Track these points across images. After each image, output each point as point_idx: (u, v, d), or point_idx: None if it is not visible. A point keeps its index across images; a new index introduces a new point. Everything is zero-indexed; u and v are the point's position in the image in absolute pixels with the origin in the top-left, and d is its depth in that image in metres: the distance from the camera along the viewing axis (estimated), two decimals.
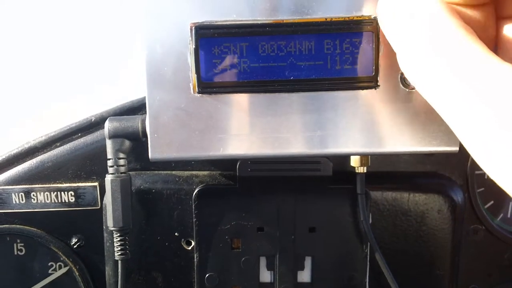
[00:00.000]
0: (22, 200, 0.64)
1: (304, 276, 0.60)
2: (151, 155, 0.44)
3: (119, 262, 0.56)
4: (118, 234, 0.55)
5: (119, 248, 0.56)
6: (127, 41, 0.86)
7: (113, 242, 0.57)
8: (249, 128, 0.44)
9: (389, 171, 0.64)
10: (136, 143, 0.54)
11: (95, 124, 0.63)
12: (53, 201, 0.64)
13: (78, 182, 0.63)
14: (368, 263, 0.59)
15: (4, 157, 0.64)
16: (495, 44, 0.36)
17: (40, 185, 0.64)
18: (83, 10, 0.95)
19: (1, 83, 0.98)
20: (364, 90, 0.43)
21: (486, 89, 0.28)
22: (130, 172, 0.58)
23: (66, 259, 0.65)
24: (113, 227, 0.55)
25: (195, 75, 0.43)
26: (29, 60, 0.97)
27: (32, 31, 0.97)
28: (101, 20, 0.92)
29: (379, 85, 0.43)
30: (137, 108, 0.61)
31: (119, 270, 0.57)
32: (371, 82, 0.42)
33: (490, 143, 0.29)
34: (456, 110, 0.30)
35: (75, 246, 0.65)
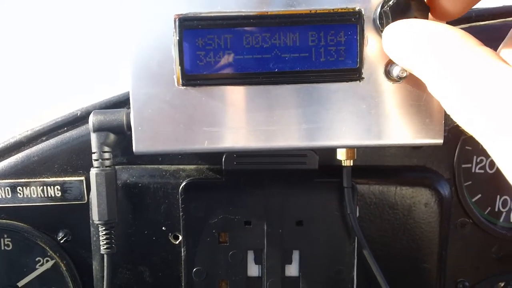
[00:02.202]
0: (8, 194, 0.63)
1: (292, 270, 0.60)
2: (135, 148, 0.44)
3: (105, 256, 0.56)
4: (104, 228, 0.55)
5: (104, 242, 0.55)
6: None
7: (99, 236, 0.56)
8: (234, 121, 0.44)
9: (376, 165, 0.64)
10: (121, 136, 0.54)
11: (81, 118, 0.63)
12: (39, 195, 0.63)
13: (65, 177, 0.63)
14: (355, 256, 0.59)
15: None
16: None
17: (26, 180, 0.63)
18: (83, 10, 0.95)
19: (1, 83, 0.97)
20: (349, 82, 0.43)
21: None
22: (116, 166, 0.57)
23: (53, 253, 0.65)
24: (98, 220, 0.55)
25: (179, 68, 0.42)
26: (29, 60, 0.97)
27: (32, 31, 0.97)
28: (101, 20, 0.92)
29: (363, 77, 0.43)
30: (123, 102, 0.61)
31: (105, 264, 0.56)
32: (356, 74, 0.42)
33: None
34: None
35: (62, 241, 0.65)
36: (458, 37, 0.33)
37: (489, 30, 0.34)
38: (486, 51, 0.31)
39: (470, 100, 0.30)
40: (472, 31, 0.34)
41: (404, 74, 0.41)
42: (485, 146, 0.31)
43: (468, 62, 0.31)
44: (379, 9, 0.40)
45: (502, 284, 0.69)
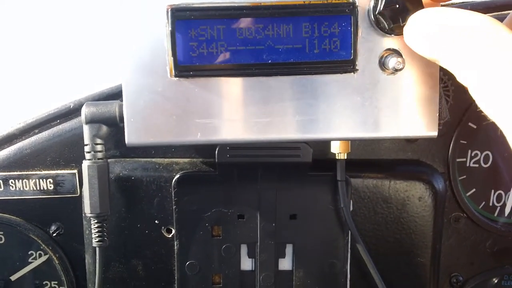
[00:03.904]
0: (0, 187, 0.63)
1: (285, 263, 0.59)
2: (127, 140, 0.44)
3: (97, 249, 0.56)
4: (96, 221, 0.55)
5: (96, 235, 0.55)
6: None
7: (91, 229, 0.56)
8: (227, 113, 0.43)
9: (370, 158, 0.63)
10: (113, 128, 0.53)
11: (74, 111, 0.62)
12: (31, 188, 0.63)
13: (57, 170, 0.63)
14: (349, 250, 0.59)
15: None
16: None
17: (18, 173, 0.63)
18: (83, 10, 0.94)
19: (1, 83, 0.97)
20: (343, 74, 0.43)
21: None
22: (109, 159, 0.57)
23: (45, 247, 0.65)
24: (90, 213, 0.54)
25: (172, 59, 0.42)
26: (29, 60, 0.96)
27: (32, 31, 0.96)
28: (101, 20, 0.91)
29: (357, 69, 0.42)
30: (116, 94, 0.60)
31: (97, 257, 0.56)
32: (350, 66, 0.42)
33: None
34: None
35: (54, 234, 0.64)
36: (487, 23, 0.32)
37: None
38: None
39: (499, 90, 0.30)
40: None
41: (400, 66, 0.41)
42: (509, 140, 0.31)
43: (499, 48, 0.31)
44: (372, 1, 0.40)
45: (496, 280, 0.69)
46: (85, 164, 0.54)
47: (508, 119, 0.30)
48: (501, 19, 0.57)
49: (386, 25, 0.40)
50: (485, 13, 0.60)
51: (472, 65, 0.32)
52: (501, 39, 0.31)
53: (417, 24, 0.37)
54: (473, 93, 0.33)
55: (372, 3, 0.41)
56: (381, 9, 0.39)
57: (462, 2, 0.62)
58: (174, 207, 0.58)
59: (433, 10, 0.36)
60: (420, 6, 0.38)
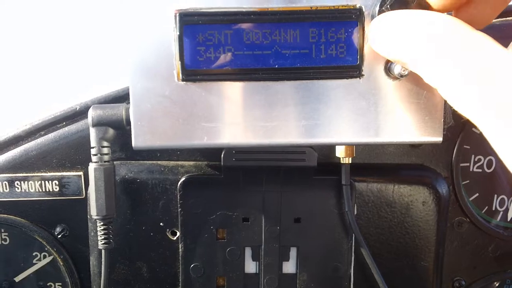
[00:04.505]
0: (6, 189, 0.63)
1: (289, 267, 0.60)
2: (134, 143, 0.44)
3: (103, 251, 0.56)
4: (102, 223, 0.55)
5: (102, 237, 0.55)
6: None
7: (97, 231, 0.56)
8: (234, 117, 0.44)
9: (374, 163, 0.64)
10: (120, 131, 0.54)
11: (80, 113, 0.63)
12: (37, 190, 0.63)
13: (63, 171, 0.63)
14: (353, 254, 0.59)
15: None
16: None
17: (24, 174, 0.63)
18: (83, 10, 0.94)
19: (1, 83, 0.97)
20: (349, 79, 0.43)
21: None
22: (115, 162, 0.57)
23: (50, 248, 0.65)
24: (97, 215, 0.55)
25: (179, 63, 0.42)
26: (29, 60, 0.96)
27: (32, 32, 0.96)
28: (102, 20, 0.92)
29: (363, 75, 0.43)
30: (122, 97, 0.61)
31: (103, 259, 0.56)
32: (356, 71, 0.42)
33: None
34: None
35: (59, 236, 0.64)
36: (450, 22, 0.33)
37: (489, 28, 0.34)
38: (481, 34, 0.31)
39: (469, 86, 0.30)
40: None
41: (406, 72, 0.41)
42: (484, 133, 0.31)
43: (465, 46, 0.31)
44: (378, 6, 0.40)
45: (497, 284, 0.69)
46: (92, 167, 0.54)
47: (481, 114, 0.30)
48: (505, 25, 0.58)
49: None
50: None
51: (440, 66, 0.32)
52: (466, 38, 0.31)
53: (381, 27, 0.37)
54: (443, 93, 0.33)
55: (377, 8, 0.41)
56: (385, 10, 0.40)
57: None
58: (179, 209, 0.58)
59: (396, 13, 0.36)
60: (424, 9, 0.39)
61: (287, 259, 0.59)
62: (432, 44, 0.33)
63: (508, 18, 0.61)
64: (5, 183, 0.63)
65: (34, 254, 0.66)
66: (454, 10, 0.39)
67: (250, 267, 0.60)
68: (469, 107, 0.31)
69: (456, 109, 0.32)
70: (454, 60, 0.31)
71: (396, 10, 0.37)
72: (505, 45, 0.33)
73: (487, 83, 0.29)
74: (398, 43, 0.35)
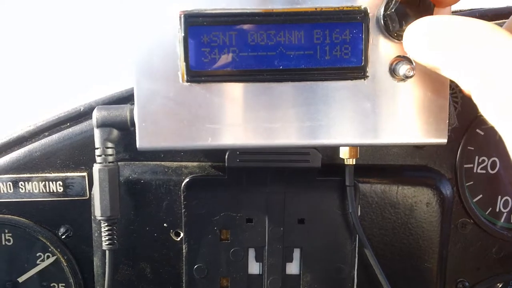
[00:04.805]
0: (10, 189, 0.63)
1: (293, 268, 0.60)
2: (139, 144, 0.44)
3: (107, 252, 0.56)
4: (106, 224, 0.55)
5: (106, 238, 0.55)
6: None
7: (101, 232, 0.56)
8: (238, 118, 0.44)
9: (378, 164, 0.64)
10: (124, 132, 0.54)
11: (84, 114, 0.63)
12: (41, 191, 0.63)
13: (67, 172, 0.63)
14: (356, 255, 0.59)
15: None
16: None
17: (28, 175, 0.63)
18: (84, 10, 0.94)
19: (1, 83, 0.97)
20: (353, 81, 0.43)
21: None
22: (119, 162, 0.57)
23: (54, 249, 0.65)
24: (101, 216, 0.55)
25: (184, 64, 0.42)
26: (29, 60, 0.97)
27: (33, 32, 0.96)
28: (102, 21, 0.92)
29: (368, 76, 0.42)
30: (126, 98, 0.61)
31: (107, 260, 0.56)
32: (360, 73, 0.42)
33: None
34: None
35: (63, 237, 0.65)
36: (487, 29, 0.32)
37: None
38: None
39: (498, 96, 0.30)
40: None
41: (411, 73, 0.41)
42: (508, 144, 0.31)
43: (497, 54, 0.31)
44: (383, 8, 0.40)
45: (500, 285, 0.69)
46: (96, 168, 0.54)
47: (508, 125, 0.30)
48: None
49: (395, 29, 0.41)
50: (493, 20, 0.61)
51: (474, 72, 0.32)
52: (502, 44, 0.31)
53: (417, 31, 0.37)
54: (476, 99, 0.33)
55: (382, 10, 0.41)
56: (390, 11, 0.40)
57: (471, 9, 0.63)
58: (183, 210, 0.58)
59: (432, 18, 0.36)
60: (429, 11, 0.39)
61: (291, 260, 0.59)
62: (467, 51, 0.33)
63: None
64: (9, 184, 0.63)
65: (37, 254, 0.66)
66: None
67: (254, 268, 0.60)
68: (496, 117, 0.31)
69: (485, 117, 0.32)
70: (488, 68, 0.31)
71: (432, 16, 0.37)
72: None
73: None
74: (433, 49, 0.35)
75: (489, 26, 0.33)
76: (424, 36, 0.36)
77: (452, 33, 0.34)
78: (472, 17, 0.61)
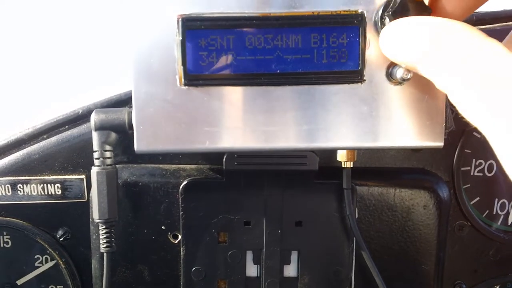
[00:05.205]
0: (8, 192, 0.63)
1: (290, 270, 0.60)
2: (136, 147, 0.44)
3: (105, 254, 0.56)
4: (104, 227, 0.55)
5: (104, 241, 0.56)
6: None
7: (99, 234, 0.56)
8: (236, 121, 0.44)
9: (375, 166, 0.64)
10: (122, 135, 0.54)
11: (82, 117, 0.63)
12: (39, 193, 0.63)
13: (65, 175, 0.63)
14: (354, 257, 0.59)
15: None
16: None
17: (26, 177, 0.63)
18: (84, 10, 0.94)
19: (1, 83, 0.97)
20: (350, 84, 0.43)
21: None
22: (117, 165, 0.57)
23: (52, 251, 0.65)
24: (99, 219, 0.55)
25: (182, 67, 0.42)
26: (29, 60, 0.97)
27: (33, 32, 0.97)
28: (102, 21, 0.92)
29: (365, 80, 0.43)
30: (125, 101, 0.61)
31: (105, 262, 0.56)
32: (357, 76, 0.42)
33: None
34: None
35: (61, 239, 0.65)
36: (463, 29, 0.33)
37: (490, 34, 0.35)
38: (492, 41, 0.31)
39: (478, 95, 0.30)
40: None
41: (408, 76, 0.41)
42: (491, 143, 0.31)
43: (476, 54, 0.31)
44: (380, 12, 0.41)
45: (498, 287, 0.69)
46: (94, 170, 0.54)
47: (490, 124, 0.30)
48: (506, 30, 0.58)
49: None
50: (491, 23, 0.61)
51: (453, 71, 0.32)
52: (481, 45, 0.32)
53: (393, 31, 0.37)
54: (453, 99, 0.33)
55: (379, 13, 0.41)
56: (387, 15, 0.40)
57: None
58: (181, 213, 0.58)
59: (409, 19, 0.37)
60: (426, 13, 0.39)
61: (288, 263, 0.60)
62: (442, 51, 0.33)
63: (509, 23, 0.61)
64: (8, 186, 0.63)
65: (36, 257, 0.66)
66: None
67: (251, 270, 0.60)
68: (476, 117, 0.31)
69: (464, 116, 0.32)
70: (464, 69, 0.31)
71: (406, 17, 0.37)
72: None
73: (496, 96, 0.29)
74: (410, 48, 0.36)
75: (468, 27, 0.33)
76: (401, 37, 0.37)
77: (431, 32, 0.34)
78: (469, 21, 0.62)
